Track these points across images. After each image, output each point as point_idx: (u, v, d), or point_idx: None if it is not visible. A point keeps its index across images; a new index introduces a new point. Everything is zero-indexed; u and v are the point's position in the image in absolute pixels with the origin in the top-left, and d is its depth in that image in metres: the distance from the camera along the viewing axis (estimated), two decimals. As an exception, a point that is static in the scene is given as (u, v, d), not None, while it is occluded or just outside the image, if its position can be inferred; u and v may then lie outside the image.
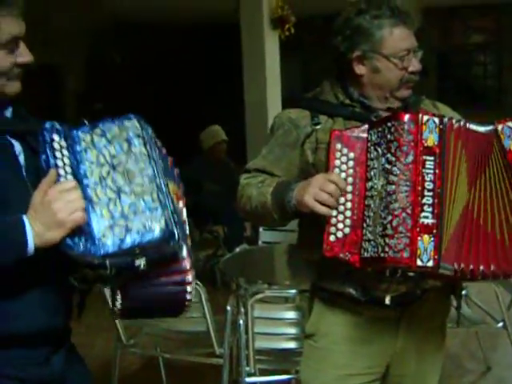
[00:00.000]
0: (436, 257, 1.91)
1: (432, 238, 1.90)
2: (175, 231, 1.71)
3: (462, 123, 2.00)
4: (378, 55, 2.16)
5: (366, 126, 2.05)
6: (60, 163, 1.71)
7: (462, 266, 1.97)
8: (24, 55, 1.83)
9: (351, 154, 2.03)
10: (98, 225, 1.67)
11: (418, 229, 1.90)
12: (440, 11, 15.92)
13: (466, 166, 1.99)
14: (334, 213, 1.99)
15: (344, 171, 2.03)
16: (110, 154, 1.76)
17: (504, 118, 2.04)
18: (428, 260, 1.90)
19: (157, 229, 1.67)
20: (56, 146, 1.73)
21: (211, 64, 16.22)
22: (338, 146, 2.03)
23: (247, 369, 3.40)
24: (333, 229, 2.00)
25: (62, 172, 1.71)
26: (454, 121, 1.99)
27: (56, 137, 1.75)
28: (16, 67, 1.82)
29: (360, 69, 2.20)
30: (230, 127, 7.47)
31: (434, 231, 1.91)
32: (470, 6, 15.73)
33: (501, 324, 3.99)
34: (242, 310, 3.43)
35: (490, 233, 2.00)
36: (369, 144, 2.02)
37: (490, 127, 2.03)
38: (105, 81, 13.72)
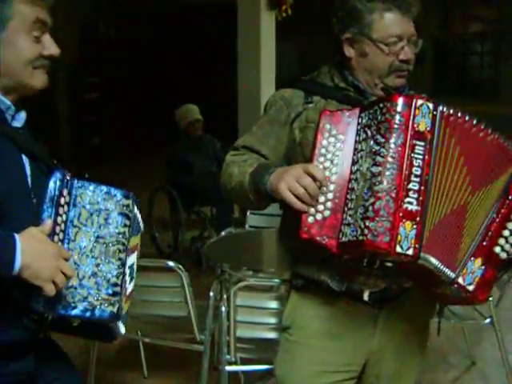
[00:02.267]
0: (417, 246, 1.82)
1: (414, 226, 1.82)
2: (121, 315, 1.88)
3: (459, 114, 1.92)
4: (367, 39, 2.11)
5: (358, 109, 1.98)
6: (59, 220, 1.76)
7: (443, 262, 1.90)
8: (51, 47, 1.83)
9: (340, 136, 1.96)
10: (66, 288, 1.77)
11: (400, 214, 1.81)
12: (440, -1, 15.85)
13: (463, 159, 1.91)
14: (323, 189, 1.91)
15: (330, 152, 1.95)
16: (98, 222, 1.83)
17: None
18: (408, 248, 1.81)
19: (107, 312, 1.81)
20: (62, 201, 1.77)
21: (206, 43, 16.11)
22: (327, 126, 1.97)
23: (228, 357, 3.34)
24: (312, 210, 1.92)
25: (57, 229, 1.75)
26: (451, 110, 1.91)
27: (65, 191, 1.78)
28: (43, 59, 1.82)
29: (349, 51, 2.16)
30: (222, 107, 7.40)
31: (417, 219, 1.83)
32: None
33: (488, 320, 3.94)
34: (225, 296, 3.36)
35: (460, 239, 1.93)
36: (359, 127, 1.95)
37: None
38: (98, 55, 13.61)
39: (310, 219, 1.92)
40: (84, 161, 10.73)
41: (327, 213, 1.92)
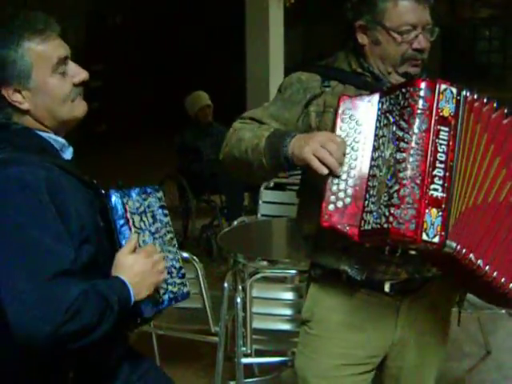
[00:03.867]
0: (443, 233, 1.77)
1: (440, 213, 1.77)
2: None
3: (481, 98, 1.88)
4: (380, 27, 2.07)
5: (378, 94, 1.93)
6: (135, 228, 1.89)
7: (464, 250, 1.84)
8: (78, 73, 1.85)
9: (360, 121, 1.92)
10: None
11: (426, 201, 1.77)
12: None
13: (488, 143, 1.87)
14: (335, 180, 1.87)
15: (351, 137, 1.91)
16: (148, 221, 1.95)
17: None
18: (434, 236, 1.76)
19: (185, 293, 2.03)
20: (129, 215, 1.88)
21: (214, 29, 16.05)
22: (347, 111, 1.92)
23: (243, 349, 3.30)
24: (333, 197, 1.87)
25: (141, 238, 1.90)
26: (471, 94, 1.86)
27: (127, 206, 1.88)
28: (75, 87, 1.84)
29: (363, 38, 2.12)
30: (230, 93, 7.34)
31: (443, 206, 1.78)
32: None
33: (504, 310, 3.89)
34: (240, 287, 3.33)
35: (502, 231, 1.88)
36: (379, 112, 1.91)
37: None
38: (104, 42, 13.58)
39: (331, 207, 1.87)
40: (91, 148, 10.70)
41: (348, 200, 1.88)
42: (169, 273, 1.94)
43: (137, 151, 11.74)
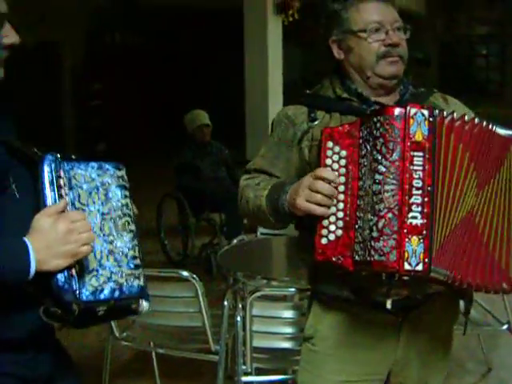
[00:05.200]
0: (426, 260, 1.78)
1: (421, 240, 1.77)
2: (147, 290, 1.78)
3: (455, 115, 1.87)
4: (349, 34, 2.14)
5: (358, 123, 1.93)
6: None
7: (453, 273, 1.85)
8: (9, 36, 1.74)
9: (343, 152, 1.92)
10: (88, 268, 1.70)
11: (405, 230, 1.77)
12: (445, 1, 15.85)
13: (470, 163, 1.87)
14: (332, 209, 1.89)
15: (336, 170, 1.92)
16: (99, 199, 1.77)
17: None
18: (417, 263, 1.77)
19: (135, 286, 1.74)
20: (61, 182, 1.71)
21: (213, 48, 16.09)
22: (330, 144, 1.93)
23: (243, 367, 3.29)
24: (324, 231, 1.90)
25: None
26: (445, 113, 1.86)
27: (61, 173, 1.71)
28: (1, 49, 1.74)
29: (339, 53, 2.18)
30: (229, 112, 7.36)
31: (424, 232, 1.78)
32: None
33: (505, 326, 3.88)
34: (240, 306, 3.32)
35: (486, 246, 1.89)
36: (360, 141, 1.91)
37: (510, 132, 1.91)
38: (104, 61, 13.62)
39: (324, 240, 1.90)
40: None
41: (339, 232, 1.90)
42: (116, 260, 1.73)
43: (136, 170, 11.66)
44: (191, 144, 6.90)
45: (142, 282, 1.75)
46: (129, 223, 1.78)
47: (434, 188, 1.81)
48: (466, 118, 1.88)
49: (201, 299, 3.36)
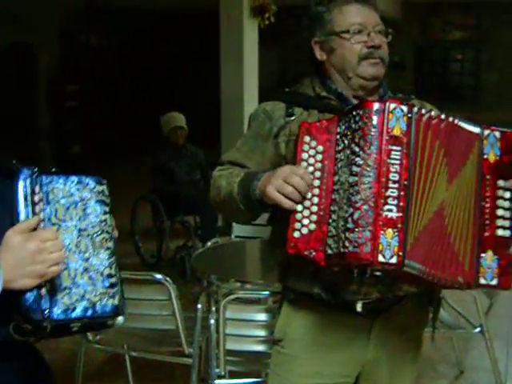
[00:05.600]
0: (400, 253, 1.79)
1: (396, 233, 1.79)
2: (124, 309, 1.75)
3: (433, 113, 1.90)
4: (331, 35, 2.17)
5: (336, 119, 1.96)
6: (41, 216, 1.67)
7: (427, 267, 1.87)
8: None
9: (320, 147, 1.94)
10: (61, 286, 1.66)
11: (380, 222, 1.78)
12: (420, 6, 15.94)
13: (444, 159, 1.89)
14: (299, 207, 1.90)
15: (312, 165, 1.94)
16: (77, 214, 1.72)
17: (493, 126, 1.96)
18: (391, 256, 1.78)
19: (109, 306, 1.70)
20: (36, 198, 1.66)
21: (188, 50, 16.07)
22: (307, 138, 1.95)
23: (217, 370, 3.29)
24: (298, 224, 1.90)
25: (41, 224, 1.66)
26: (423, 110, 1.89)
27: (37, 188, 1.67)
28: None
29: (321, 54, 2.21)
30: (204, 115, 7.35)
31: (399, 226, 1.80)
32: (451, 2, 15.74)
33: (478, 329, 3.91)
34: (213, 308, 3.32)
35: (448, 238, 1.91)
36: (338, 136, 1.93)
37: (478, 129, 1.93)
38: (79, 62, 13.54)
39: (296, 234, 1.90)
40: (65, 169, 10.63)
41: (313, 226, 1.90)
42: (90, 278, 1.69)
43: (111, 172, 11.65)
44: (166, 147, 6.89)
45: (116, 301, 1.71)
46: (106, 240, 1.74)
47: (411, 182, 1.83)
48: (443, 116, 1.91)
49: (174, 302, 3.35)
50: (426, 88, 16.30)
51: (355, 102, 2.15)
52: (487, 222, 1.91)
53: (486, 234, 1.91)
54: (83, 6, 13.08)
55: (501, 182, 1.92)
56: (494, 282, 1.91)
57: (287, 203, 1.89)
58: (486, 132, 1.93)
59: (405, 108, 1.85)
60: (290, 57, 14.47)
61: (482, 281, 1.90)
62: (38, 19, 11.65)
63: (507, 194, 1.92)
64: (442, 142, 1.89)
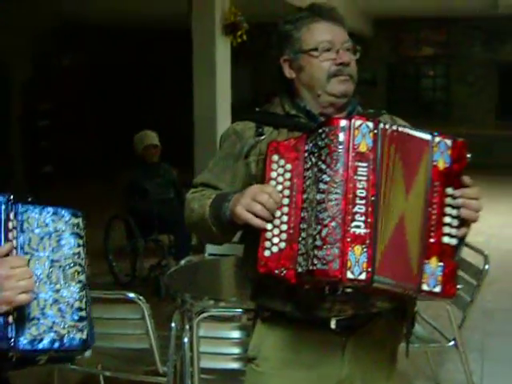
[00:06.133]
0: (369, 269, 1.79)
1: (365, 249, 1.78)
2: (92, 342, 1.74)
3: (394, 127, 1.90)
4: (300, 53, 2.18)
5: (304, 137, 1.96)
6: (14, 243, 1.66)
7: (395, 280, 1.86)
8: None
9: (288, 166, 1.95)
10: (29, 316, 1.65)
11: (348, 239, 1.78)
12: (391, 23, 16.09)
13: (401, 172, 1.89)
14: (269, 226, 1.91)
15: (281, 183, 1.94)
16: (50, 245, 1.72)
17: (446, 134, 1.94)
18: (360, 273, 1.78)
19: (77, 339, 1.69)
20: (10, 225, 1.66)
21: (162, 68, 16.09)
22: (275, 157, 1.96)
23: (191, 389, 3.27)
24: (268, 243, 1.91)
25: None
26: (387, 125, 1.89)
27: (11, 215, 1.66)
28: None
29: (290, 72, 2.23)
30: (177, 133, 7.34)
31: (367, 242, 1.80)
32: (421, 18, 15.91)
33: (452, 343, 3.93)
34: (187, 327, 3.30)
35: (406, 247, 1.90)
36: (305, 154, 1.93)
37: (428, 136, 1.93)
38: (52, 81, 13.49)
39: (267, 253, 1.90)
40: (37, 188, 10.57)
41: (283, 244, 1.90)
42: (60, 310, 1.68)
43: (84, 191, 11.65)
44: (140, 165, 6.87)
45: (84, 335, 1.71)
46: (78, 273, 1.74)
47: (378, 198, 1.83)
48: (398, 128, 1.90)
49: (148, 321, 3.32)
50: (398, 104, 16.44)
51: (323, 119, 2.16)
52: (433, 228, 1.90)
53: (431, 240, 1.90)
54: (56, 24, 13.06)
55: (449, 190, 1.91)
56: (437, 289, 1.88)
57: (256, 221, 1.89)
58: (437, 139, 1.92)
59: (370, 124, 1.85)
60: (263, 75, 14.54)
61: (425, 287, 1.88)
62: (11, 39, 11.62)
63: (456, 202, 1.91)
64: (400, 154, 1.89)
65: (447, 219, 1.91)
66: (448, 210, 1.91)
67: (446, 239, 1.91)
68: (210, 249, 4.66)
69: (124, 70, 15.97)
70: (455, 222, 1.92)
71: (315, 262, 1.80)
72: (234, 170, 2.20)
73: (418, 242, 1.90)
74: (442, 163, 1.91)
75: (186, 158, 7.97)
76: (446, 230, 1.91)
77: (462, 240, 1.95)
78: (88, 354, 1.79)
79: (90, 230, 1.92)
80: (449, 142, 1.92)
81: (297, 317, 2.12)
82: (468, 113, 16.51)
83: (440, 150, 1.91)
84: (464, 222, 1.94)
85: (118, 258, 7.12)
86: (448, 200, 1.91)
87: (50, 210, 1.74)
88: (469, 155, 1.95)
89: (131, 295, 3.36)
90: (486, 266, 3.77)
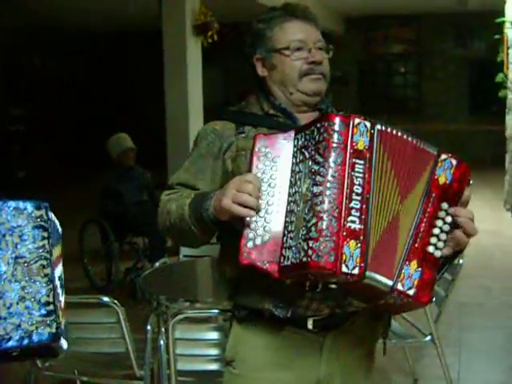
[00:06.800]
0: (362, 265, 1.79)
1: (359, 245, 1.79)
2: (62, 334, 1.72)
3: (392, 130, 1.92)
4: (273, 52, 2.19)
5: (293, 132, 1.96)
6: None
7: (384, 277, 1.86)
8: None
9: (275, 158, 1.94)
10: None
11: (344, 233, 1.78)
12: (361, 21, 16.15)
13: (394, 173, 1.90)
14: (260, 213, 1.89)
15: (267, 174, 1.93)
16: (13, 242, 1.68)
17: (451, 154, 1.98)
18: (354, 267, 1.78)
19: (45, 335, 1.67)
20: None
21: (133, 69, 16.03)
22: (262, 149, 1.95)
23: (169, 391, 3.25)
24: (251, 234, 1.88)
25: None
26: (383, 127, 1.90)
27: None
28: None
29: (262, 70, 2.24)
30: (150, 135, 7.31)
31: (361, 237, 1.80)
32: (391, 16, 15.99)
33: (429, 338, 3.95)
34: (163, 329, 3.28)
35: (396, 249, 1.91)
36: (295, 149, 1.93)
37: (435, 151, 1.96)
38: (23, 85, 13.39)
39: (250, 244, 1.88)
40: (10, 194, 10.47)
41: (267, 237, 1.88)
42: (26, 307, 1.66)
43: (57, 195, 11.56)
44: (115, 169, 6.83)
45: (53, 329, 1.68)
46: (44, 267, 1.71)
47: (372, 196, 1.84)
48: (402, 134, 1.92)
49: (123, 324, 3.30)
50: (370, 102, 16.51)
51: (299, 117, 2.18)
52: (421, 234, 1.92)
53: (416, 245, 1.92)
54: (23, 24, 12.93)
55: (444, 205, 1.94)
56: (411, 292, 1.89)
57: (244, 211, 1.85)
58: (443, 156, 1.96)
59: (368, 124, 1.87)
60: (235, 74, 14.54)
61: (399, 287, 1.89)
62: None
63: (448, 219, 1.94)
64: (397, 157, 1.91)
65: (436, 230, 1.93)
66: (439, 222, 1.93)
67: (430, 248, 1.92)
68: (185, 250, 4.65)
69: (94, 72, 15.89)
70: (443, 236, 1.94)
71: (310, 253, 1.77)
72: (213, 169, 2.17)
73: (405, 244, 1.91)
74: (443, 178, 1.95)
75: (158, 160, 7.94)
76: (433, 240, 1.93)
77: (447, 260, 1.97)
78: (65, 346, 1.77)
79: (64, 235, 1.92)
80: (454, 161, 1.96)
81: (274, 315, 2.10)
82: (440, 109, 16.61)
83: (444, 167, 1.95)
84: (453, 242, 1.95)
85: (93, 261, 7.08)
86: (441, 214, 1.94)
87: (12, 204, 1.71)
88: (471, 181, 2.00)
89: (106, 299, 3.34)
90: (461, 261, 3.79)
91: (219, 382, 2.33)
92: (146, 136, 8.47)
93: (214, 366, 3.22)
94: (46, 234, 1.73)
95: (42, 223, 1.73)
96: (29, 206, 1.73)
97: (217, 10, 7.87)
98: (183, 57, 7.75)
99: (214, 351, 3.17)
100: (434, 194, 1.94)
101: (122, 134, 6.98)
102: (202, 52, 8.09)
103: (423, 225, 1.92)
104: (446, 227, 1.94)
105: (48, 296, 1.70)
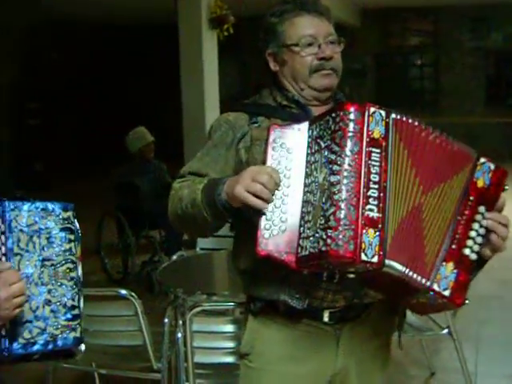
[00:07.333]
0: (381, 253, 1.78)
1: (377, 233, 1.78)
2: (84, 338, 1.74)
3: (408, 119, 1.90)
4: (283, 48, 2.19)
5: (307, 122, 1.95)
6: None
7: (404, 267, 1.85)
8: None
9: (291, 149, 1.93)
10: (22, 320, 1.63)
11: (362, 221, 1.77)
12: (378, 13, 16.07)
13: (411, 162, 1.89)
14: (270, 207, 1.87)
15: (282, 165, 1.92)
16: (40, 244, 1.68)
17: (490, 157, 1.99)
18: (373, 255, 1.77)
19: (70, 339, 1.69)
20: None
21: (149, 63, 16.05)
22: (277, 139, 1.94)
23: (186, 384, 3.27)
24: (268, 225, 1.87)
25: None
26: (399, 116, 1.89)
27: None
28: None
29: (274, 65, 2.24)
30: (166, 128, 7.31)
31: (379, 226, 1.79)
32: (409, 8, 15.89)
33: (446, 331, 3.94)
34: (180, 322, 3.29)
35: (422, 239, 1.90)
36: (309, 139, 1.92)
37: (474, 153, 1.97)
38: (41, 79, 13.44)
39: (267, 234, 1.86)
40: (28, 186, 10.53)
41: (283, 227, 1.88)
42: (52, 311, 1.66)
43: (75, 189, 11.61)
44: (133, 162, 6.85)
45: (78, 334, 1.70)
46: (71, 270, 1.71)
47: (389, 185, 1.83)
48: (423, 126, 1.91)
49: (140, 317, 3.32)
50: (386, 94, 16.44)
51: (313, 109, 2.17)
52: (457, 236, 1.92)
53: (454, 246, 1.92)
54: (45, 21, 12.98)
55: (482, 208, 1.94)
56: (446, 292, 1.89)
57: (257, 202, 1.84)
58: (482, 160, 1.96)
59: (383, 113, 1.86)
60: (251, 68, 14.52)
61: (435, 287, 1.89)
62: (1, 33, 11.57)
63: (485, 222, 1.94)
64: (415, 148, 1.90)
65: (473, 233, 1.93)
66: (475, 225, 1.94)
67: (466, 251, 1.93)
68: (202, 243, 4.66)
69: (110, 66, 15.92)
70: (479, 239, 1.94)
71: (329, 242, 1.76)
72: (225, 159, 2.16)
73: (440, 243, 1.91)
74: (481, 182, 1.95)
75: (175, 153, 7.95)
76: (470, 243, 1.93)
77: (481, 262, 1.97)
78: (83, 348, 1.78)
79: (81, 228, 1.89)
80: (492, 166, 1.97)
81: (290, 306, 2.09)
82: (456, 102, 16.52)
83: (483, 170, 1.96)
84: (489, 245, 1.95)
85: (110, 255, 7.12)
86: (478, 217, 1.94)
87: (39, 205, 1.70)
88: (507, 187, 1.99)
89: (123, 292, 3.35)
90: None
91: (236, 375, 2.34)
92: (162, 129, 8.47)
93: (231, 359, 3.23)
94: (72, 237, 1.74)
95: (69, 225, 1.74)
96: (56, 208, 1.72)
97: (232, 2, 7.86)
98: (199, 50, 7.75)
99: (231, 344, 3.18)
100: (471, 198, 1.94)
101: (141, 128, 7.00)
102: (217, 45, 8.10)
103: (461, 227, 1.92)
104: (482, 230, 1.94)
105: (73, 300, 1.71)
